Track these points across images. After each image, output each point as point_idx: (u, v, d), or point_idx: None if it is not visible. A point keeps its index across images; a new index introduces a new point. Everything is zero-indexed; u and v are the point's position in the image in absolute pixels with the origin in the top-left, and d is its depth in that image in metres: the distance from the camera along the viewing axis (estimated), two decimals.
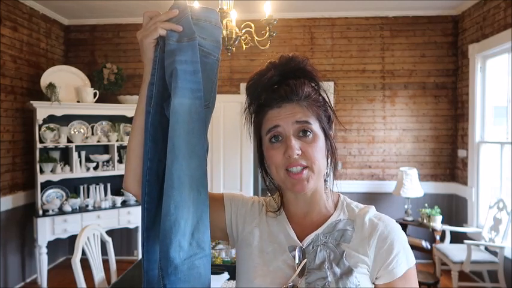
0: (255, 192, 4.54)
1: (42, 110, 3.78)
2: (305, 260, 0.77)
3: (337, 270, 0.74)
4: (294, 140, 0.76)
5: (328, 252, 0.77)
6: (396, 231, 0.78)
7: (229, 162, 4.52)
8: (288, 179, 0.77)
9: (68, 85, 4.10)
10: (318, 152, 0.77)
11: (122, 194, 4.33)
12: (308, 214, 0.83)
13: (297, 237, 0.81)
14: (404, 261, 0.76)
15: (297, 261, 0.77)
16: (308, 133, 0.77)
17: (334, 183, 0.84)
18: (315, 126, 0.78)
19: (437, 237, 3.89)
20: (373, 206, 0.83)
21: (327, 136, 0.80)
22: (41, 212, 3.74)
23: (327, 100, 0.83)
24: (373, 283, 0.76)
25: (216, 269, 2.18)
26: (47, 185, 3.96)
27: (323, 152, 0.79)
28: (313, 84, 0.81)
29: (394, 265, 0.75)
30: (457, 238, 3.95)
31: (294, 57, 0.80)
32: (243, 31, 2.74)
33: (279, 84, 0.79)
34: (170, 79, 0.76)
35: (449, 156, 4.49)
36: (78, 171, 4.06)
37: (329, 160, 0.81)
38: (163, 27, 0.78)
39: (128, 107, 4.30)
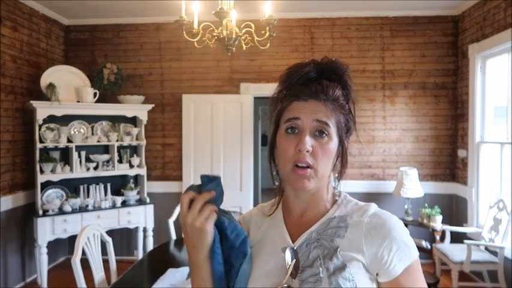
0: (255, 192, 4.54)
1: (42, 110, 3.78)
2: (294, 260, 0.77)
3: (331, 266, 0.74)
4: (309, 136, 0.77)
5: (321, 249, 0.77)
6: (395, 227, 0.76)
7: (230, 162, 4.52)
8: (293, 173, 0.78)
9: (68, 85, 4.10)
10: (327, 156, 0.78)
11: (121, 194, 4.33)
12: (305, 212, 0.84)
13: (291, 238, 0.82)
14: (405, 256, 0.75)
15: (288, 261, 0.77)
16: (324, 135, 0.78)
17: (338, 184, 0.85)
18: (333, 130, 0.79)
19: (437, 237, 3.89)
20: (374, 204, 0.82)
21: (340, 143, 0.81)
22: (41, 212, 3.75)
23: (352, 112, 0.84)
24: (377, 280, 0.76)
25: None
26: (47, 185, 3.96)
27: (332, 156, 0.80)
28: (344, 92, 0.82)
29: (395, 262, 0.74)
30: (457, 238, 3.95)
31: (335, 62, 0.81)
32: (243, 31, 2.74)
33: (313, 81, 0.80)
34: (233, 249, 0.82)
35: (449, 156, 4.49)
36: (78, 171, 4.06)
37: (336, 165, 0.82)
38: (212, 209, 0.78)
39: (128, 107, 4.30)
